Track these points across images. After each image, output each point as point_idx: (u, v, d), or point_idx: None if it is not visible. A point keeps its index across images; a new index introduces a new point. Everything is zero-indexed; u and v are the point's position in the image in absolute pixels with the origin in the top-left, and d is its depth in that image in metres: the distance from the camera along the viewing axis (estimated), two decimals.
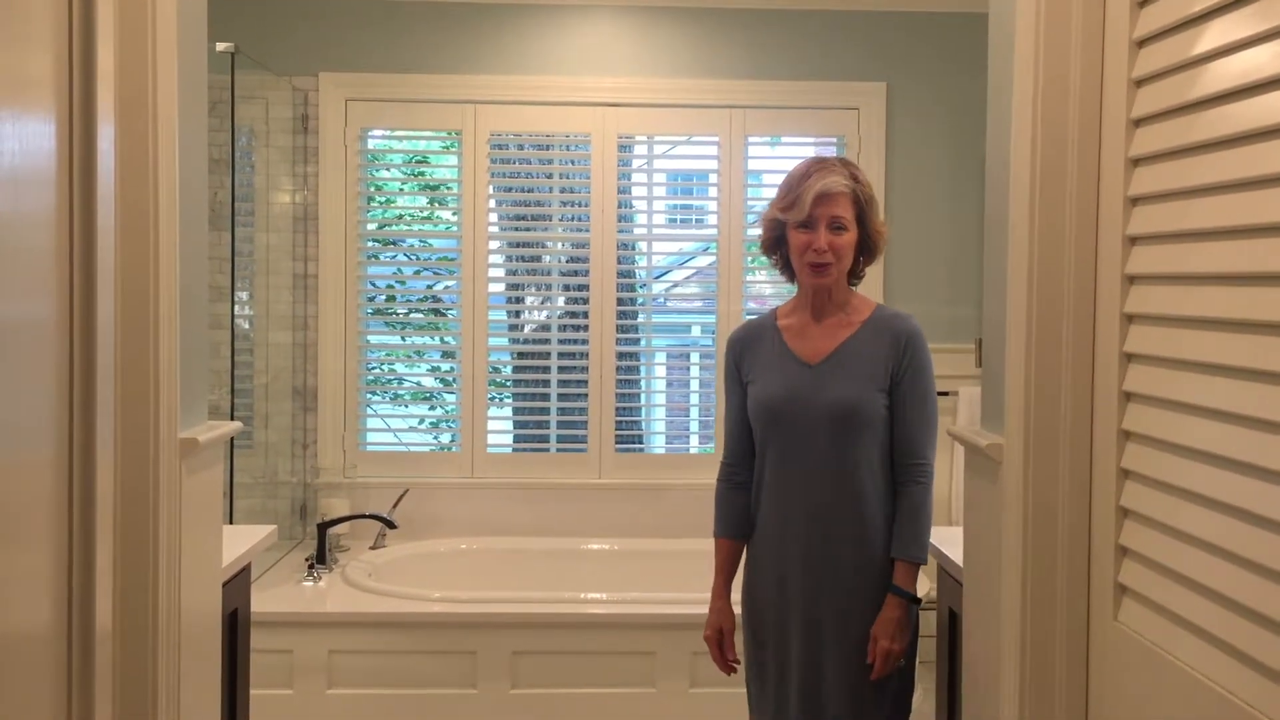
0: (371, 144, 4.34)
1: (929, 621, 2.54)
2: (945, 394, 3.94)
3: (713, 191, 4.30)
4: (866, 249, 2.26)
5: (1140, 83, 1.51)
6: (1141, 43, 1.50)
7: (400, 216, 4.45)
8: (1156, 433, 1.45)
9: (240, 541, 2.29)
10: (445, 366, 4.47)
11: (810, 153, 4.44)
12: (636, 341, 4.36)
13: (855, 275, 2.30)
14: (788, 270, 2.32)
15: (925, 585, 3.78)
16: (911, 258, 4.26)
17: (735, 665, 2.35)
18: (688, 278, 4.56)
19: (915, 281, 4.26)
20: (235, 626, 2.26)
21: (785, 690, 2.24)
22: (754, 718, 2.34)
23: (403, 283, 4.51)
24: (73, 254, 1.14)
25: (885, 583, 2.21)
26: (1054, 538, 1.65)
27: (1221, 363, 1.29)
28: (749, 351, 2.33)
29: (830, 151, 4.34)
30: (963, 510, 2.02)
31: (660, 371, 4.55)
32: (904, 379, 2.22)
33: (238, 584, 2.27)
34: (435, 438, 4.49)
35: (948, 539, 2.29)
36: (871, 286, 4.22)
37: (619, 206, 4.27)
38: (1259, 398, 1.21)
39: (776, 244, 2.29)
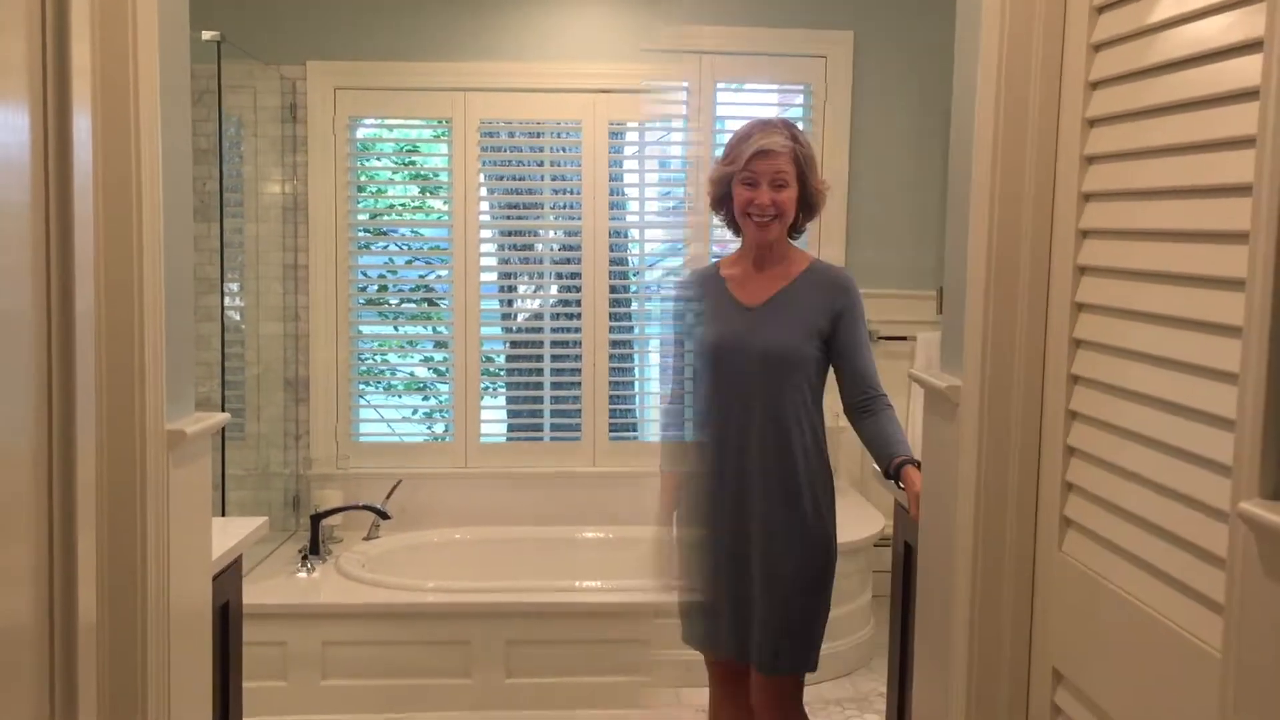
0: (361, 133, 4.31)
1: (883, 557, 2.58)
2: (903, 339, 4.04)
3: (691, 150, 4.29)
4: (807, 206, 2.40)
5: (1098, 47, 1.57)
6: (1101, 9, 1.56)
7: (391, 206, 4.42)
8: (1102, 377, 1.53)
9: (231, 534, 2.27)
10: (438, 356, 4.45)
11: (774, 99, 4.47)
12: (630, 329, 4.34)
13: (796, 230, 2.45)
14: (733, 225, 2.46)
15: (881, 522, 3.80)
16: (874, 205, 4.28)
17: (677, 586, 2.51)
18: (682, 265, 4.53)
19: (877, 228, 4.28)
20: (227, 619, 2.25)
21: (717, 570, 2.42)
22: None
23: (394, 272, 4.49)
24: (49, 244, 1.12)
25: (806, 513, 2.34)
26: (1006, 474, 1.74)
27: (1165, 313, 1.37)
28: (696, 296, 2.49)
29: (797, 99, 4.35)
30: (921, 449, 2.10)
31: (654, 359, 4.53)
32: (842, 323, 2.36)
33: (229, 576, 2.26)
34: (429, 428, 4.48)
35: None
36: (834, 233, 4.23)
37: (611, 194, 4.25)
38: (1198, 345, 1.29)
39: (723, 200, 2.42)
